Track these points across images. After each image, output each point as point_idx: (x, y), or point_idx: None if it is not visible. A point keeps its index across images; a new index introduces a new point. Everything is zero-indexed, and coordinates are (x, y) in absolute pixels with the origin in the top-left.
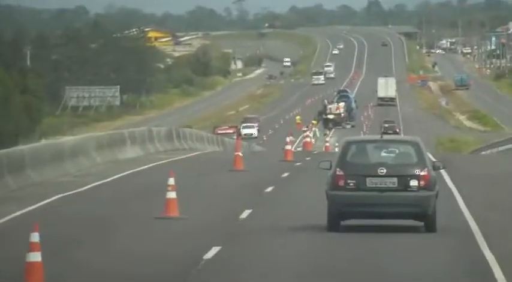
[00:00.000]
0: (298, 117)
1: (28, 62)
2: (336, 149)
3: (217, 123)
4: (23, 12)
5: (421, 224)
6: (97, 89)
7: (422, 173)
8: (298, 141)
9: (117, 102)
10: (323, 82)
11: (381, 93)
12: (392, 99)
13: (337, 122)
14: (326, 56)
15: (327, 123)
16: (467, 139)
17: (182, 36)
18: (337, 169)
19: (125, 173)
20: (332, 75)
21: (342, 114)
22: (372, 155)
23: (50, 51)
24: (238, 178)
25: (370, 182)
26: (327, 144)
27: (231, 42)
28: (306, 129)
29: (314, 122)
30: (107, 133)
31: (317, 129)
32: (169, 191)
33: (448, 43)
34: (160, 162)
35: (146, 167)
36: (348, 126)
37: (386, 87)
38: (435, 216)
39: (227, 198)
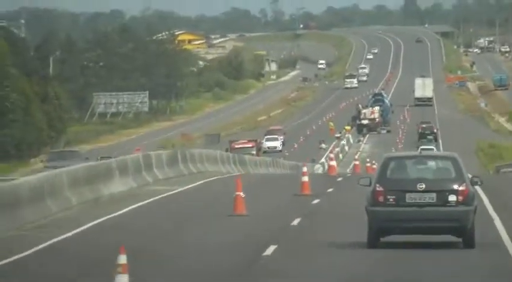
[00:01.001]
0: (331, 123)
1: (51, 69)
2: (368, 164)
3: (234, 137)
4: (59, 16)
5: (460, 239)
6: (125, 95)
7: (460, 188)
8: (330, 148)
9: (146, 108)
10: (356, 86)
11: (418, 93)
12: (429, 99)
13: (371, 128)
14: (361, 57)
15: (361, 129)
16: (507, 145)
17: (216, 38)
18: (377, 185)
19: (96, 221)
20: (364, 78)
21: (377, 119)
22: (411, 170)
23: (78, 57)
24: (232, 231)
25: (409, 197)
26: (356, 162)
27: (266, 44)
28: (339, 135)
29: (347, 127)
30: (87, 165)
31: (350, 136)
32: (119, 273)
33: (486, 42)
34: (150, 199)
35: (129, 208)
36: (384, 132)
37: (424, 87)
38: (474, 231)
39: (207, 274)
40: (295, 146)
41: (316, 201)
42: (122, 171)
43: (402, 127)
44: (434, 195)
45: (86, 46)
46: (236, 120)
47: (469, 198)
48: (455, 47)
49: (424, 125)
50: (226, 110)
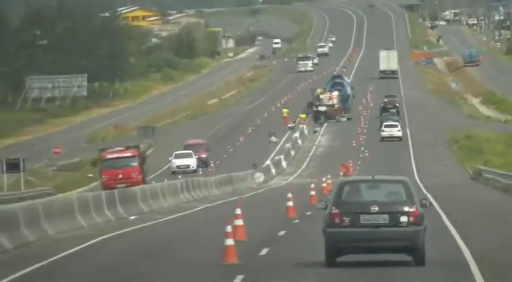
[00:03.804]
0: (285, 111)
1: None
2: (312, 193)
3: (109, 143)
4: None
5: (410, 258)
6: (61, 78)
7: (411, 210)
8: (282, 142)
9: (84, 93)
10: (311, 69)
11: (383, 66)
12: (394, 72)
13: (330, 115)
14: (322, 32)
15: (318, 117)
16: (487, 135)
17: (173, 15)
18: (333, 207)
19: None
20: (315, 61)
21: (336, 105)
22: (365, 193)
23: (9, 37)
24: None
25: (363, 219)
26: (324, 184)
27: (223, 19)
28: (292, 125)
29: (303, 116)
30: None
31: (305, 127)
32: None
33: (452, 14)
34: None
35: None
36: (343, 119)
37: (388, 60)
38: (424, 249)
39: None
40: (241, 139)
41: None
42: None
43: (364, 113)
44: (386, 216)
45: (19, 25)
46: (184, 104)
47: (419, 219)
48: (420, 20)
49: (386, 100)
50: (175, 92)
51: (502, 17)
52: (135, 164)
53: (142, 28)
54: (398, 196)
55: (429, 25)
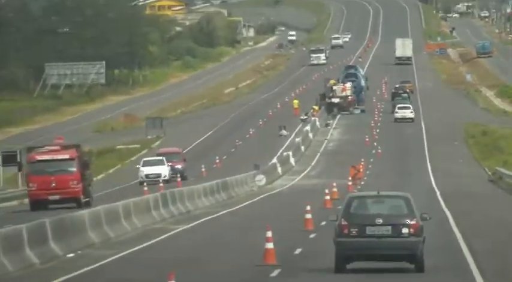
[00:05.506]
0: (296, 102)
1: None
2: (307, 210)
3: (39, 141)
4: None
5: (412, 266)
6: (80, 65)
7: (412, 222)
8: (293, 135)
9: (102, 80)
10: (324, 62)
11: (399, 52)
12: (409, 58)
13: (343, 107)
14: (339, 23)
15: (330, 109)
16: (504, 131)
17: (198, 4)
18: (342, 219)
19: None
20: (327, 54)
21: (349, 97)
22: (371, 207)
23: (32, 24)
24: None
25: (369, 230)
26: (327, 197)
27: (245, 10)
28: (305, 117)
29: (315, 107)
30: None
31: (317, 119)
32: None
33: (465, 7)
34: None
35: None
36: (357, 111)
37: (404, 47)
38: (423, 258)
39: None
40: (251, 132)
41: None
42: None
43: (378, 105)
44: (389, 228)
45: (42, 13)
46: (200, 93)
47: (418, 231)
48: (434, 12)
49: (397, 85)
50: (193, 80)
51: None
52: (74, 169)
53: (167, 17)
54: (400, 210)
55: (441, 16)
